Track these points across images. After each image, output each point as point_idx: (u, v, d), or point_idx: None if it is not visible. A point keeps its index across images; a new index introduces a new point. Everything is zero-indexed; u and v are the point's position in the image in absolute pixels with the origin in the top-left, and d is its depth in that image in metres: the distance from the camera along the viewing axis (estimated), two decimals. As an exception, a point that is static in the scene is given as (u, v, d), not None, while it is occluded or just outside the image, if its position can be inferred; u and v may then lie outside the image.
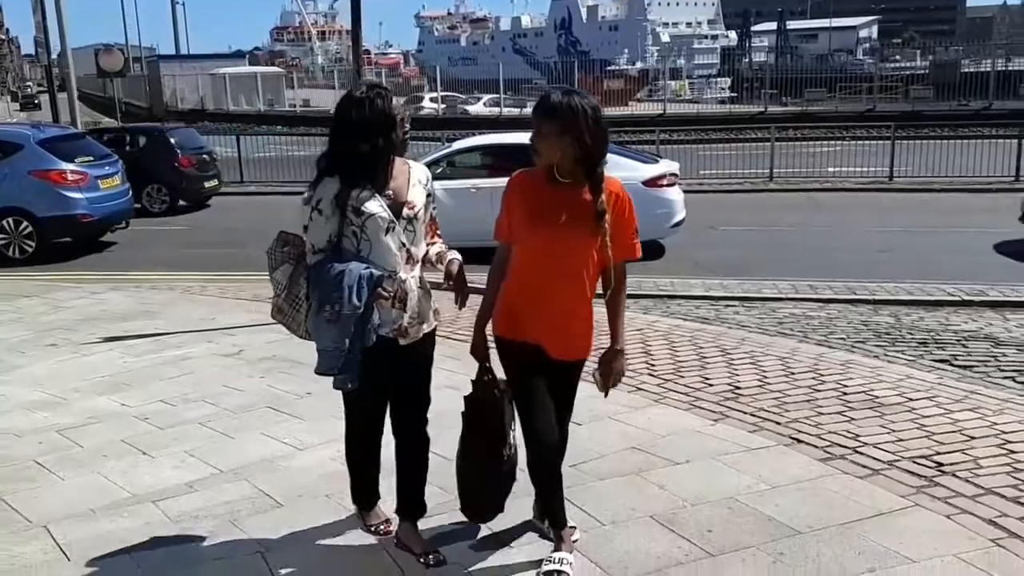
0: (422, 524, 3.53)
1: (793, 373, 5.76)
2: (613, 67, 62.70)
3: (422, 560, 3.36)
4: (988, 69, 31.79)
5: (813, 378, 5.64)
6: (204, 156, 17.97)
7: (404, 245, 3.19)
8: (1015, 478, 4.03)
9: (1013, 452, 4.33)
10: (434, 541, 3.48)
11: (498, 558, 3.41)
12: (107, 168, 12.88)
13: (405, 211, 3.19)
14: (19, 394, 5.85)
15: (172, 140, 17.48)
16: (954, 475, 4.07)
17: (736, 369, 5.90)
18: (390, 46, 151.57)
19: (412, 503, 3.47)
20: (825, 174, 18.71)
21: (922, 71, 41.33)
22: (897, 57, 58.85)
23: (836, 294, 8.65)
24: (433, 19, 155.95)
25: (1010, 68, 34.90)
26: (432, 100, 38.63)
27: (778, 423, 4.81)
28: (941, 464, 4.19)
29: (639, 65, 71.52)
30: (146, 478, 4.29)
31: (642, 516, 3.69)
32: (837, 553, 3.37)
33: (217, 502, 3.98)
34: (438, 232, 3.43)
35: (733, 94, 48.28)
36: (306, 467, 4.39)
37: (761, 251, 11.54)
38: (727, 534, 3.54)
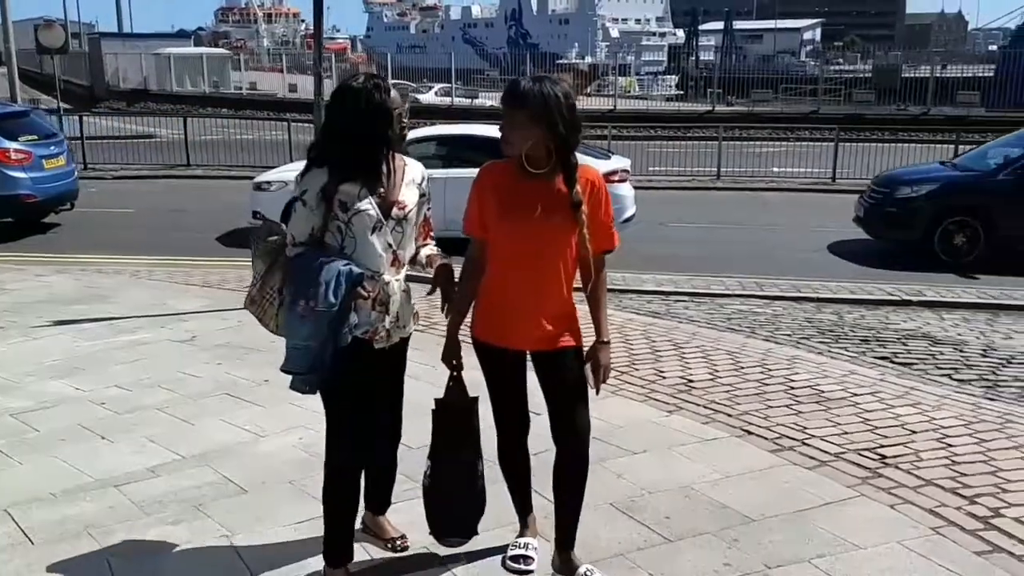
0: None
1: (742, 367, 5.94)
2: (563, 60, 62.97)
3: (389, 546, 3.42)
4: (927, 75, 32.70)
5: (762, 372, 5.82)
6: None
7: (391, 246, 3.05)
8: (952, 471, 4.23)
9: (951, 446, 4.55)
10: (400, 526, 3.54)
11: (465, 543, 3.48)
12: (52, 148, 12.58)
13: (395, 211, 3.05)
14: (-32, 377, 5.74)
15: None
16: (897, 467, 4.26)
17: (688, 362, 6.06)
18: (337, 31, 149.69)
19: (381, 500, 3.49)
20: (771, 174, 19.11)
21: (864, 75, 42.33)
22: (840, 60, 60.18)
23: (782, 292, 8.89)
24: (382, 5, 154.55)
25: (946, 75, 35.99)
26: (383, 88, 38.29)
27: (730, 415, 4.98)
28: (884, 456, 4.39)
29: (589, 60, 71.88)
30: (107, 463, 4.27)
31: (602, 503, 3.79)
32: (788, 539, 3.53)
33: (181, 487, 3.99)
34: (431, 234, 3.33)
35: (680, 92, 48.90)
36: (269, 453, 4.42)
37: (709, 248, 11.77)
38: (684, 521, 3.68)
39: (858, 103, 33.06)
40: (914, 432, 4.73)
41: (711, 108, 32.29)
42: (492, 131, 12.43)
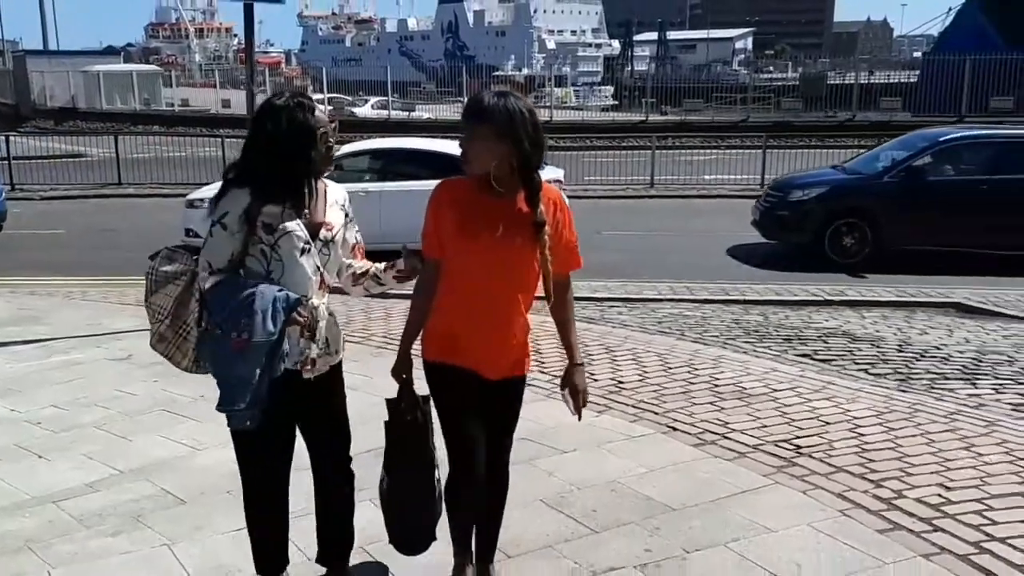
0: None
1: (670, 368, 6.18)
2: (500, 72, 63.54)
3: None
4: (853, 82, 33.82)
5: (688, 372, 6.07)
6: None
7: (319, 269, 2.93)
8: (862, 458, 4.50)
9: (862, 435, 4.83)
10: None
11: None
12: (-22, 168, 12.38)
13: (323, 232, 2.94)
14: None
15: None
16: (810, 456, 4.52)
17: (619, 365, 6.28)
18: (271, 45, 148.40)
19: (338, 544, 3.27)
20: (702, 181, 19.63)
21: (792, 83, 43.54)
22: (770, 68, 61.69)
23: (711, 295, 9.20)
24: (317, 18, 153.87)
25: (872, 81, 37.22)
26: (318, 102, 38.15)
27: (656, 413, 5.20)
28: (799, 447, 4.65)
29: (525, 71, 72.61)
30: (45, 480, 4.31)
31: (532, 500, 3.96)
32: (706, 525, 3.75)
33: (120, 501, 4.05)
34: (363, 253, 3.21)
35: (615, 102, 49.71)
36: (207, 466, 4.49)
37: (642, 255, 12.09)
38: (609, 513, 3.87)
39: (786, 111, 33.96)
40: (828, 424, 5.01)
41: (644, 118, 32.88)
42: (428, 144, 12.65)
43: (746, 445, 4.66)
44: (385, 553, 3.39)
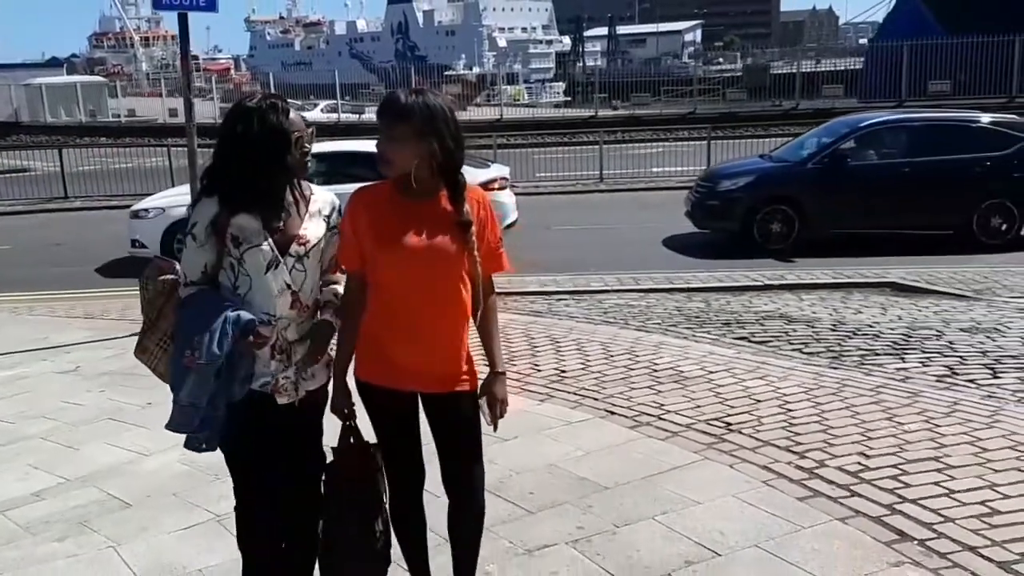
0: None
1: (612, 356, 6.35)
2: (451, 72, 63.56)
3: None
4: (795, 71, 34.46)
5: (629, 359, 6.24)
6: None
7: (289, 286, 2.73)
8: (789, 431, 4.71)
9: (791, 411, 5.04)
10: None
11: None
12: (-83, 187, 12.21)
13: (294, 246, 2.73)
14: None
15: None
16: (740, 432, 4.72)
17: (563, 355, 6.44)
18: (219, 51, 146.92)
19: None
20: (650, 174, 19.88)
21: (738, 74, 44.18)
22: (720, 60, 62.48)
23: (656, 284, 9.41)
24: (265, 23, 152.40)
25: (818, 69, 37.92)
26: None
27: (596, 399, 5.37)
28: (730, 424, 4.84)
29: (476, 70, 72.71)
30: (-11, 492, 4.36)
31: (473, 487, 4.10)
32: (637, 501, 3.92)
33: (66, 507, 4.13)
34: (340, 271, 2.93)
35: (567, 98, 50.04)
36: (153, 470, 4.56)
37: (592, 248, 12.27)
38: (545, 494, 4.03)
39: (731, 101, 34.47)
40: (759, 401, 5.21)
41: (594, 113, 33.18)
42: (372, 145, 12.73)
43: (679, 425, 4.84)
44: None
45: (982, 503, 3.78)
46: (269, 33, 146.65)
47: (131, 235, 10.84)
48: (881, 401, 5.15)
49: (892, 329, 7.17)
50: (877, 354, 6.44)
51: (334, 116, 35.22)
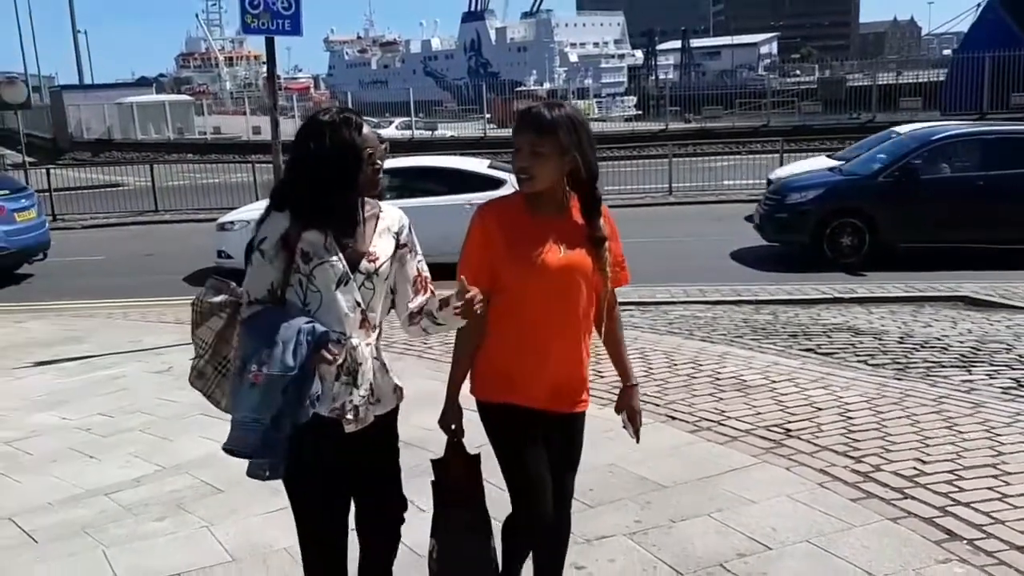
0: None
1: (675, 364, 6.51)
2: (522, 87, 64.12)
3: None
4: (871, 83, 33.88)
5: (692, 367, 6.39)
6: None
7: (359, 305, 2.62)
8: (847, 438, 4.82)
9: (850, 419, 5.13)
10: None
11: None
12: (23, 201, 13.04)
13: (364, 263, 2.63)
14: (-42, 416, 6.19)
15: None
16: (798, 438, 4.84)
17: (626, 363, 6.60)
18: (300, 71, 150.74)
19: None
20: (721, 187, 19.86)
21: (814, 86, 43.54)
22: (797, 72, 61.55)
23: (723, 296, 9.50)
24: (343, 43, 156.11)
25: (899, 82, 37.12)
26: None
27: (658, 405, 5.54)
28: (789, 430, 4.97)
29: (547, 85, 73.25)
30: (95, 477, 4.77)
31: (536, 482, 4.32)
32: (693, 500, 4.09)
33: (163, 492, 4.50)
34: (433, 290, 2.82)
35: (639, 112, 49.97)
36: (241, 461, 4.86)
37: (659, 261, 12.38)
38: (605, 491, 4.23)
39: (805, 114, 34.04)
40: (820, 409, 5.32)
41: (664, 126, 33.16)
42: (442, 161, 13.14)
43: (739, 430, 4.99)
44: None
45: (1036, 507, 3.85)
46: (347, 53, 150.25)
47: (217, 246, 11.40)
48: (943, 411, 5.20)
49: (961, 342, 7.15)
50: (943, 366, 6.46)
51: (408, 133, 35.96)
